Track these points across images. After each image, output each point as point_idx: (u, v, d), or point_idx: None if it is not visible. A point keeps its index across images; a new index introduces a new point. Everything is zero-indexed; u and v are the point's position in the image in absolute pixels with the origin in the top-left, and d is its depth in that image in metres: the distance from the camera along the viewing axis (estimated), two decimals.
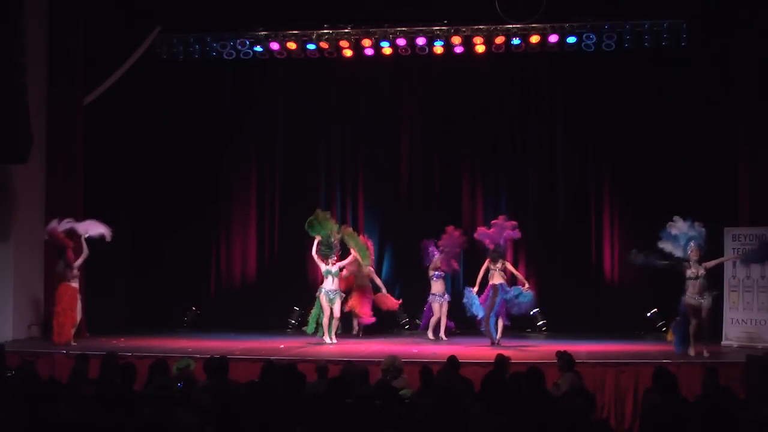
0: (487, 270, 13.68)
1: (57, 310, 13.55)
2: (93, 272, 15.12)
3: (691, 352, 12.01)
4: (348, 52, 16.04)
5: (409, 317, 16.22)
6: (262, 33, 16.04)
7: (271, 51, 16.14)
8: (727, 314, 13.81)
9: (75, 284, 13.79)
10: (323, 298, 14.07)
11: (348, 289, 14.98)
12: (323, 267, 14.23)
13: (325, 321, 14.06)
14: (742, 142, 14.48)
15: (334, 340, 14.00)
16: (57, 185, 15.03)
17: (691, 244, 12.24)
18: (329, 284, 14.14)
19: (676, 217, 12.51)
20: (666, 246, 12.33)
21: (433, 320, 14.69)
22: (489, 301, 13.43)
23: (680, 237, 12.35)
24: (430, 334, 14.63)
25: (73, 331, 13.55)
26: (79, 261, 13.81)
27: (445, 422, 5.97)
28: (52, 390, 6.83)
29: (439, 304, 14.57)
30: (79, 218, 14.58)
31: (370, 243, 15.38)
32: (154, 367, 8.37)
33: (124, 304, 16.30)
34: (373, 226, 16.86)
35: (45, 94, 14.95)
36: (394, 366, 8.92)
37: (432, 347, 13.38)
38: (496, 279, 13.54)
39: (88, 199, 15.22)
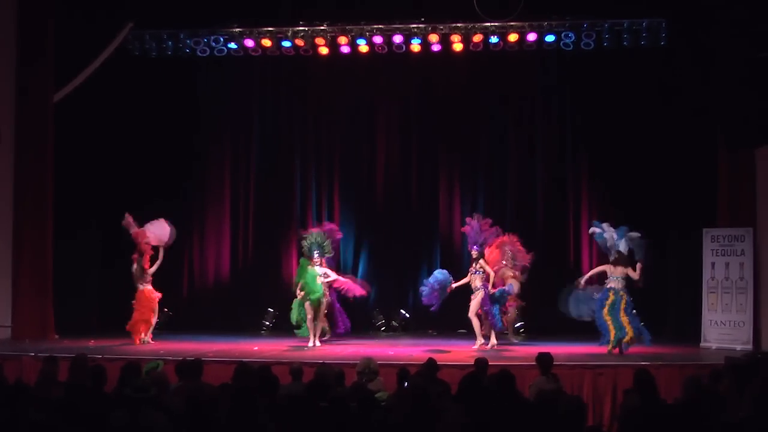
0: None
1: (134, 314, 14.09)
2: (62, 272, 15.06)
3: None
4: (324, 50, 15.99)
5: (384, 318, 16.25)
6: (237, 30, 15.97)
7: (246, 48, 16.08)
8: (706, 316, 13.89)
9: (148, 287, 14.21)
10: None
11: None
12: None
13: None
14: (721, 142, 14.53)
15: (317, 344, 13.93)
16: (26, 184, 14.92)
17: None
18: None
19: (604, 225, 13.18)
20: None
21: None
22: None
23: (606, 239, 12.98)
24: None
25: (148, 331, 14.10)
26: (154, 268, 14.34)
27: (418, 424, 5.96)
28: (19, 393, 6.75)
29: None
30: (48, 218, 14.61)
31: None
32: (126, 369, 8.29)
33: (94, 305, 16.19)
34: (349, 225, 16.85)
35: (13, 91, 14.85)
36: (369, 368, 8.89)
37: (411, 349, 13.37)
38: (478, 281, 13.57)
39: (57, 198, 15.12)
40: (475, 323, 13.47)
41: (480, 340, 13.44)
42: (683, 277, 14.95)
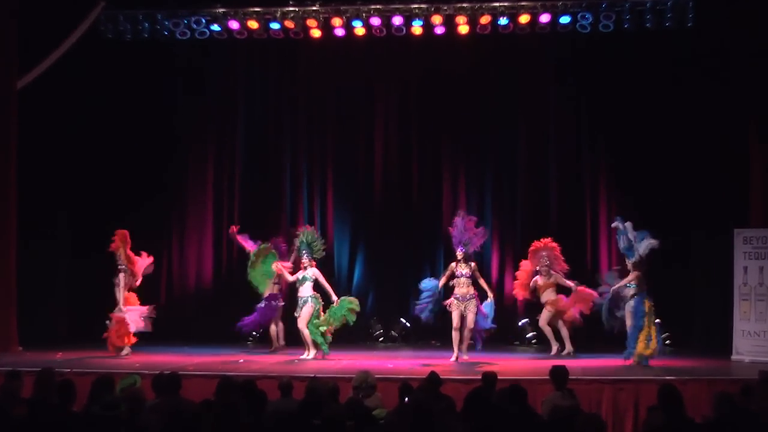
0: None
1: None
2: (27, 276, 14.98)
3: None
4: (316, 33, 15.95)
5: (383, 328, 16.23)
6: (220, 10, 15.90)
7: (230, 30, 16.01)
8: (737, 325, 13.85)
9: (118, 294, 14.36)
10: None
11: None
12: (299, 273, 13.95)
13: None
14: (753, 135, 14.53)
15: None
16: None
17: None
18: (305, 291, 13.79)
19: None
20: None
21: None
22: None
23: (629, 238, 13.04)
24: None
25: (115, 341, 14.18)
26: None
27: None
28: None
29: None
30: (11, 216, 14.56)
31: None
32: (97, 384, 8.25)
33: (62, 314, 16.15)
34: (344, 226, 16.87)
35: None
36: (366, 383, 8.86)
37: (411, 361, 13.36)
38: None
39: (21, 195, 15.05)
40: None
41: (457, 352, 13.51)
42: (712, 283, 14.92)
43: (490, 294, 13.76)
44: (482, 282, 13.79)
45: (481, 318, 13.48)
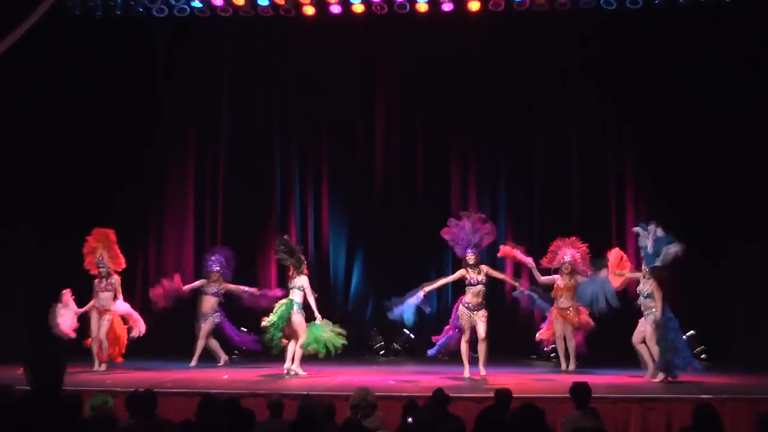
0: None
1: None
2: None
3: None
4: (309, 10, 15.98)
5: (384, 340, 16.22)
6: None
7: (213, 7, 16.06)
8: None
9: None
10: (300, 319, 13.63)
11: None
12: (296, 281, 13.80)
13: (297, 347, 13.66)
14: None
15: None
16: None
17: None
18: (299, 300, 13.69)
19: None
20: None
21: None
22: None
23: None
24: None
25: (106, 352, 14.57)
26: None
27: None
28: None
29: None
30: None
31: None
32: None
33: (24, 324, 16.11)
34: (341, 228, 16.86)
35: None
36: (366, 401, 8.84)
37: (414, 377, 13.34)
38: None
39: None
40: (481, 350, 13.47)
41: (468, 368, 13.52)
42: (753, 292, 14.90)
43: (516, 284, 14.17)
44: (504, 276, 14.14)
45: None
